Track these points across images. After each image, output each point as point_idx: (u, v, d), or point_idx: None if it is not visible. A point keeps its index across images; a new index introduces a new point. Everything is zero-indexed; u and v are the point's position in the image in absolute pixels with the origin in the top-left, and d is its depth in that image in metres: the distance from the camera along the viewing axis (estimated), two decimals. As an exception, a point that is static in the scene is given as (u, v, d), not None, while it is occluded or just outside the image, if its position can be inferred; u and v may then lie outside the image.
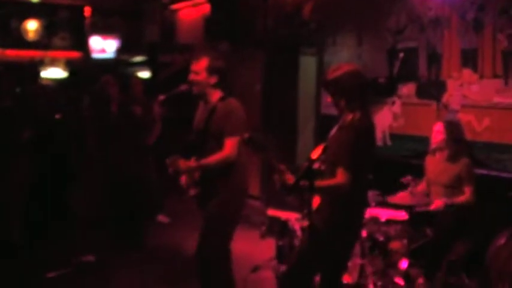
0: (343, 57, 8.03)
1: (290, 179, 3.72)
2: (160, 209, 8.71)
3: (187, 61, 11.09)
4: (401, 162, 7.01)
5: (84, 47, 15.44)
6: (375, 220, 5.64)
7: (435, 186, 5.80)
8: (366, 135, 3.99)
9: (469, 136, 6.14)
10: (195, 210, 5.02)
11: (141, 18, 14.85)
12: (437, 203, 5.50)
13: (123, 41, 15.31)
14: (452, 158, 5.68)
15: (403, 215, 5.64)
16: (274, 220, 6.48)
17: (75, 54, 15.49)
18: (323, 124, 8.39)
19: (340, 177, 3.79)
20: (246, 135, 3.80)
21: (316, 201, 4.03)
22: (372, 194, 5.63)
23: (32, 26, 14.67)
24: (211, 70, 4.71)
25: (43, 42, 14.95)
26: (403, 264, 5.41)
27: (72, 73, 14.68)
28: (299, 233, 5.62)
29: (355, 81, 3.98)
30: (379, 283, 5.38)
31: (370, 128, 4.06)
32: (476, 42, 6.30)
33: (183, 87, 4.98)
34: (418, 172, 5.98)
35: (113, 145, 7.30)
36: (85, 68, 14.71)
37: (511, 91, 5.96)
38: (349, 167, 3.78)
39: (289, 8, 9.16)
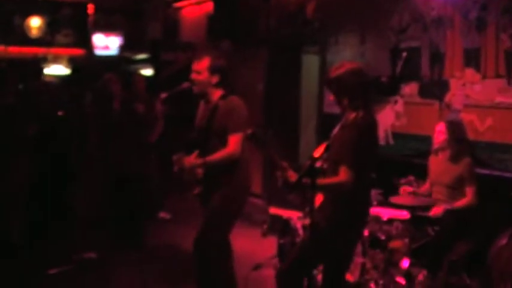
0: (346, 56, 8.02)
1: (292, 176, 3.73)
2: (161, 208, 8.71)
3: (189, 59, 11.13)
4: (404, 161, 7.01)
5: (87, 44, 15.46)
6: (376, 219, 5.64)
7: (437, 186, 5.80)
8: (369, 134, 4.00)
9: (471, 136, 6.14)
10: (196, 208, 5.03)
11: (144, 16, 14.87)
12: (437, 210, 5.51)
13: (126, 38, 15.33)
14: (454, 158, 5.68)
15: (404, 214, 5.64)
16: (276, 218, 6.49)
17: (78, 52, 15.51)
18: (325, 123, 8.39)
19: (343, 175, 3.79)
20: (249, 131, 3.81)
21: (318, 199, 4.04)
22: (374, 193, 5.64)
23: (35, 23, 14.70)
24: (213, 69, 4.71)
25: (46, 39, 14.97)
26: (405, 263, 5.41)
27: (74, 70, 14.70)
28: (301, 231, 5.63)
29: (357, 80, 3.97)
30: (381, 282, 5.38)
31: (373, 127, 4.07)
32: (479, 42, 6.30)
33: (185, 85, 4.99)
34: (420, 171, 5.98)
35: (115, 143, 7.30)
36: (88, 65, 14.73)
37: (514, 91, 5.96)
38: (352, 165, 3.79)
39: (292, 7, 9.17)
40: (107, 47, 15.40)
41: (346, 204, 3.95)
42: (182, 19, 13.00)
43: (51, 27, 15.03)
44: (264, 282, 6.02)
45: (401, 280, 5.36)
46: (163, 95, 5.14)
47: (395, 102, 7.28)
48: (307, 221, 5.27)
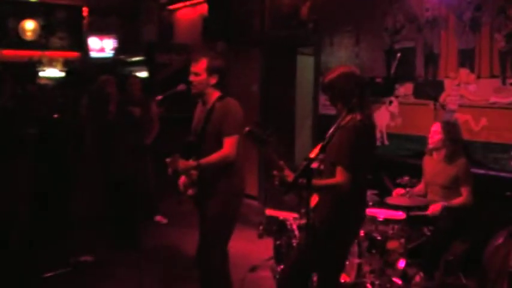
0: (341, 57, 8.04)
1: (289, 175, 3.73)
2: (157, 211, 8.70)
3: (184, 61, 11.14)
4: (399, 162, 7.02)
5: (82, 47, 15.45)
6: (372, 219, 5.66)
7: (432, 186, 5.81)
8: (366, 136, 4.00)
9: (466, 136, 6.15)
10: (192, 210, 5.03)
11: (139, 18, 14.85)
12: (434, 208, 5.52)
13: (121, 40, 15.32)
14: (450, 158, 5.70)
15: (400, 215, 5.65)
16: (272, 220, 6.51)
17: (73, 54, 15.49)
18: (321, 123, 8.40)
19: (340, 176, 3.80)
20: (247, 129, 3.80)
21: (314, 200, 4.05)
22: (369, 194, 5.65)
23: (29, 26, 14.67)
24: (211, 70, 4.71)
25: (41, 42, 14.95)
26: (401, 263, 5.42)
27: (70, 73, 14.68)
28: (297, 232, 5.64)
29: (350, 83, 3.98)
30: (377, 282, 5.39)
31: (370, 129, 4.08)
32: (474, 42, 6.31)
33: (181, 87, 4.99)
34: (416, 172, 5.99)
35: (111, 145, 7.30)
36: (83, 68, 14.71)
37: (508, 91, 5.96)
38: (349, 166, 3.79)
39: (286, 8, 9.18)
40: (102, 50, 15.39)
41: (342, 205, 3.96)
42: (177, 21, 12.99)
43: (45, 30, 15.01)
44: (260, 283, 6.03)
45: (398, 280, 5.37)
46: (159, 97, 5.14)
47: (390, 102, 7.29)
48: (303, 222, 5.28)
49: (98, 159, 7.47)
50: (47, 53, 14.98)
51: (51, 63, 14.95)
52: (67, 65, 15.14)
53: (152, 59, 12.12)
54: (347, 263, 5.29)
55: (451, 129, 5.75)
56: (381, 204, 5.85)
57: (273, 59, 9.80)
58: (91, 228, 7.34)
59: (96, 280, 6.17)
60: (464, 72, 6.40)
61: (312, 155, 3.66)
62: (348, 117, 3.87)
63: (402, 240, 5.52)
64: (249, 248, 7.09)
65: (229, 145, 4.61)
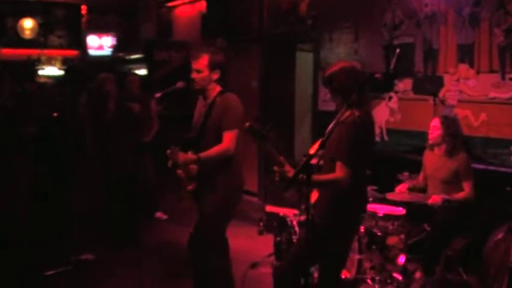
0: (340, 54, 8.04)
1: (289, 171, 3.72)
2: (157, 207, 8.70)
3: (183, 58, 11.14)
4: (398, 157, 7.02)
5: (80, 45, 15.45)
6: (372, 215, 5.66)
7: (433, 181, 5.81)
8: (366, 131, 4.00)
9: (465, 131, 6.16)
10: (192, 207, 5.03)
11: (137, 16, 14.84)
12: (435, 198, 5.51)
13: (120, 38, 15.31)
14: (450, 153, 5.70)
15: (400, 210, 5.66)
16: (272, 216, 6.50)
17: (72, 52, 15.49)
18: (320, 120, 8.41)
19: (340, 172, 3.80)
20: (247, 124, 3.79)
21: (314, 195, 4.05)
22: (369, 189, 5.65)
23: (28, 24, 14.67)
24: (212, 66, 4.71)
25: (39, 40, 14.95)
26: (401, 259, 5.42)
27: (68, 71, 14.68)
28: (297, 228, 5.64)
29: (350, 78, 3.97)
30: (377, 278, 5.40)
31: (369, 125, 4.07)
32: (473, 37, 6.31)
33: (180, 84, 4.99)
34: (415, 167, 5.99)
35: (110, 142, 7.29)
36: (82, 66, 14.71)
37: (508, 86, 5.97)
38: (349, 162, 3.79)
39: (285, 4, 9.17)
40: (100, 48, 15.38)
41: (342, 201, 3.95)
42: (175, 18, 12.98)
43: (44, 28, 15.01)
44: (261, 280, 6.02)
45: (398, 276, 5.38)
46: (158, 95, 5.14)
47: (390, 98, 7.29)
48: (303, 218, 5.27)
49: (98, 158, 7.46)
50: (46, 51, 14.98)
51: (50, 62, 14.95)
52: (66, 63, 15.15)
53: (151, 56, 12.10)
54: (347, 258, 5.30)
55: (450, 125, 5.75)
56: (381, 199, 5.85)
57: (272, 55, 9.79)
58: (91, 226, 7.34)
59: (96, 278, 6.16)
60: (463, 67, 6.40)
61: (312, 151, 3.65)
62: (347, 113, 3.86)
63: (402, 236, 5.53)
64: (249, 245, 7.09)
65: (228, 139, 4.61)
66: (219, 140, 4.62)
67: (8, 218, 6.80)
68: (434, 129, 5.75)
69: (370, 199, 5.79)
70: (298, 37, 9.31)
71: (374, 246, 5.53)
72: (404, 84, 7.10)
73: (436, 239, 5.50)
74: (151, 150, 8.16)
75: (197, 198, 4.87)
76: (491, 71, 6.12)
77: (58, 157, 8.14)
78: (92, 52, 15.30)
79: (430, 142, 5.83)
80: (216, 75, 4.74)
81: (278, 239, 6.02)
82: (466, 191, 5.58)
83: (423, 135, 6.12)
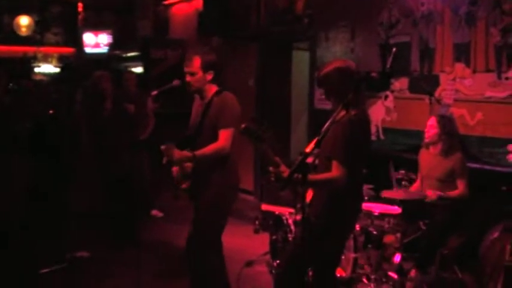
0: (336, 52, 8.04)
1: (285, 171, 3.72)
2: (153, 206, 8.70)
3: (180, 56, 11.11)
4: (394, 156, 7.02)
5: (77, 43, 15.42)
6: (368, 214, 5.66)
7: (428, 179, 5.82)
8: (361, 130, 4.00)
9: (462, 130, 6.16)
10: (188, 205, 5.02)
11: (134, 14, 14.83)
12: (430, 194, 5.51)
13: (116, 36, 15.28)
14: (446, 152, 5.70)
15: (396, 209, 5.66)
16: (268, 215, 6.50)
17: (68, 50, 15.47)
18: (316, 118, 8.41)
19: (335, 171, 3.80)
20: (243, 125, 3.79)
21: (309, 195, 4.05)
22: (364, 188, 5.64)
23: (24, 21, 14.64)
24: (206, 67, 4.69)
25: (36, 37, 14.94)
26: (397, 257, 5.43)
27: (64, 68, 14.65)
28: (293, 227, 5.64)
29: (345, 78, 3.97)
30: (373, 277, 5.41)
31: (365, 124, 4.08)
32: (469, 37, 6.31)
33: (176, 82, 4.97)
34: (411, 166, 5.99)
35: (107, 141, 7.28)
36: (78, 64, 14.69)
37: (504, 85, 5.97)
38: (344, 160, 3.79)
39: (282, 3, 9.17)
40: (96, 45, 15.35)
41: (337, 199, 3.95)
42: (172, 16, 12.96)
43: (40, 25, 14.99)
44: (256, 278, 6.03)
45: (394, 275, 5.38)
46: (154, 93, 5.13)
47: (386, 97, 7.29)
48: (299, 217, 5.27)
49: (94, 156, 7.45)
50: (42, 48, 14.97)
51: (46, 59, 14.94)
52: (62, 60, 15.13)
53: (147, 54, 12.08)
54: (343, 257, 5.30)
55: (446, 123, 5.75)
56: (377, 198, 5.86)
57: (269, 54, 9.80)
58: (88, 224, 7.32)
59: (92, 276, 6.15)
60: (459, 66, 6.40)
61: (308, 150, 3.65)
62: (343, 112, 3.86)
63: (398, 235, 5.54)
64: (244, 243, 7.09)
65: (224, 138, 4.60)
66: (215, 139, 4.61)
67: (4, 216, 6.79)
68: (431, 128, 5.75)
69: (366, 198, 5.79)
70: (294, 36, 9.31)
71: (370, 245, 5.54)
72: (400, 83, 7.11)
73: (432, 238, 5.51)
74: (147, 148, 8.15)
75: (192, 196, 4.86)
76: (488, 70, 6.12)
77: (54, 154, 8.12)
78: (88, 50, 15.27)
79: (427, 141, 5.84)
80: (210, 76, 4.72)
81: (274, 237, 6.02)
82: (460, 188, 5.59)
83: (419, 134, 6.13)
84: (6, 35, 14.50)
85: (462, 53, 6.38)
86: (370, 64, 7.33)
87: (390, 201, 5.73)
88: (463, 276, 5.60)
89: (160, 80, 6.23)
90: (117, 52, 14.83)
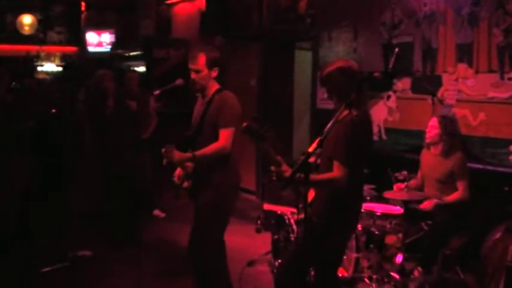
0: (339, 52, 8.03)
1: (287, 170, 3.72)
2: (155, 205, 8.70)
3: (182, 56, 11.11)
4: (397, 156, 7.02)
5: (79, 41, 15.45)
6: (370, 214, 5.66)
7: (429, 180, 5.81)
8: (363, 131, 4.00)
9: (464, 131, 6.15)
10: (189, 204, 5.02)
11: (136, 13, 14.84)
12: (428, 204, 5.51)
13: (118, 35, 15.30)
14: (446, 153, 5.68)
15: (398, 209, 5.66)
16: (270, 214, 6.50)
17: (71, 49, 15.50)
18: (319, 118, 8.41)
19: (337, 171, 3.80)
20: (244, 124, 3.78)
21: (311, 194, 4.05)
22: (366, 188, 5.64)
23: (27, 20, 14.67)
24: (210, 64, 4.70)
25: (38, 36, 14.96)
26: (399, 258, 5.43)
27: (67, 67, 14.67)
28: (294, 227, 5.64)
29: (346, 77, 3.96)
30: (375, 277, 5.40)
31: (367, 124, 4.07)
32: (472, 37, 6.31)
33: (178, 81, 4.97)
34: (414, 166, 5.99)
35: (109, 139, 7.29)
36: (80, 63, 14.71)
37: (506, 85, 5.96)
38: (346, 161, 3.79)
39: (284, 2, 9.16)
40: (99, 44, 15.38)
41: (339, 199, 3.95)
42: (175, 15, 12.97)
43: (43, 24, 15.01)
44: (258, 278, 6.03)
45: (396, 275, 5.38)
46: (157, 92, 5.13)
47: (388, 97, 7.29)
48: (300, 217, 5.28)
49: (96, 154, 7.45)
50: (45, 47, 14.99)
51: (48, 58, 14.97)
52: (65, 59, 15.16)
53: (150, 53, 12.09)
54: (345, 257, 5.30)
55: (448, 124, 5.74)
56: (379, 198, 5.85)
57: (271, 53, 9.79)
58: (90, 223, 7.33)
59: (93, 275, 6.15)
60: (462, 67, 6.40)
61: (310, 150, 3.65)
62: (345, 112, 3.86)
63: (400, 235, 5.53)
64: (246, 243, 7.09)
65: (225, 137, 4.60)
66: (215, 137, 4.60)
67: (6, 214, 6.80)
68: (432, 128, 5.74)
69: (368, 198, 5.79)
70: (297, 35, 9.30)
71: (372, 245, 5.53)
72: (403, 84, 7.10)
73: (434, 238, 5.50)
74: (149, 147, 8.15)
75: (193, 195, 4.86)
76: (490, 71, 6.11)
77: (56, 153, 8.13)
78: (90, 49, 15.30)
79: (428, 141, 5.83)
80: (215, 73, 4.73)
81: (276, 237, 6.02)
82: (459, 191, 5.56)
83: (421, 135, 6.12)
84: (9, 33, 14.54)
85: (465, 54, 6.37)
86: (372, 64, 7.32)
87: (392, 201, 5.74)
88: (465, 277, 5.59)
89: (162, 79, 6.24)
90: (120, 51, 14.84)
